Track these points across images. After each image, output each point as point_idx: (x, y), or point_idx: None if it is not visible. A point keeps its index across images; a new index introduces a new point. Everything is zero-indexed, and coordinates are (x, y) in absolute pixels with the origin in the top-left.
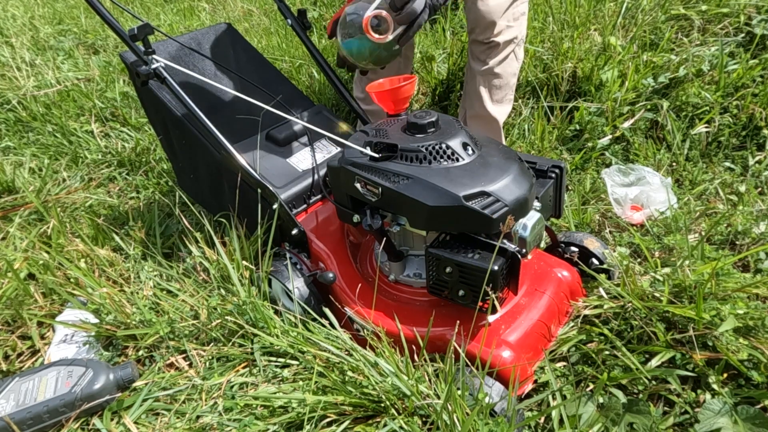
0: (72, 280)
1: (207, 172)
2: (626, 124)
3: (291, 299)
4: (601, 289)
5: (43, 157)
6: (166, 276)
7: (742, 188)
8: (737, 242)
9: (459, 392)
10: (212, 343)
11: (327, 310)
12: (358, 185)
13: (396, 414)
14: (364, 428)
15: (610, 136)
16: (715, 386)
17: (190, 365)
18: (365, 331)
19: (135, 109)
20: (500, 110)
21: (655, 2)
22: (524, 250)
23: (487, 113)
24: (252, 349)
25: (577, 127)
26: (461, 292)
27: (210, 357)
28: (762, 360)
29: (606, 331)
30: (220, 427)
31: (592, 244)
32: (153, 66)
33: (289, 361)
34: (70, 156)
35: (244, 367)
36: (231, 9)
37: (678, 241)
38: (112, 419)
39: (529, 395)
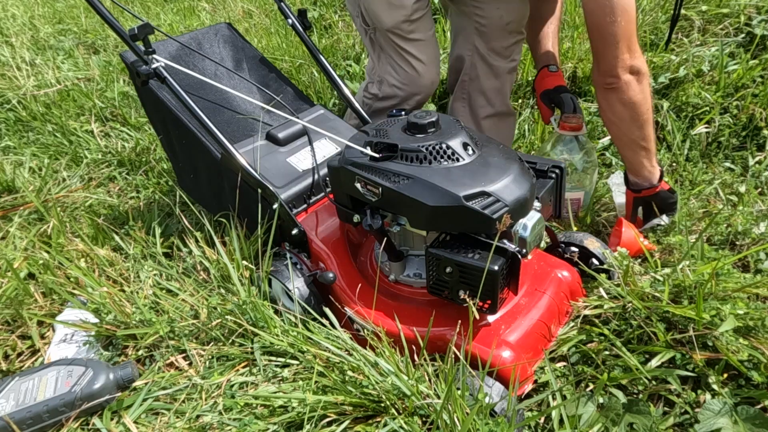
0: (72, 279)
1: (207, 172)
2: None
3: (291, 299)
4: (601, 289)
5: (43, 157)
6: (166, 275)
7: (742, 188)
8: (737, 242)
9: (459, 392)
10: (212, 343)
11: (327, 310)
12: (358, 185)
13: (396, 414)
14: (364, 428)
15: (610, 136)
16: (715, 386)
17: (190, 365)
18: (365, 331)
19: (135, 109)
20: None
21: (655, 2)
22: (524, 250)
23: (509, 109)
24: (252, 348)
25: None
26: (461, 292)
27: (210, 356)
28: (762, 360)
29: (606, 331)
30: (220, 427)
31: (592, 244)
32: (153, 66)
33: (289, 360)
34: (70, 156)
35: (244, 367)
36: (231, 9)
37: (678, 242)
38: (112, 419)
39: (529, 395)
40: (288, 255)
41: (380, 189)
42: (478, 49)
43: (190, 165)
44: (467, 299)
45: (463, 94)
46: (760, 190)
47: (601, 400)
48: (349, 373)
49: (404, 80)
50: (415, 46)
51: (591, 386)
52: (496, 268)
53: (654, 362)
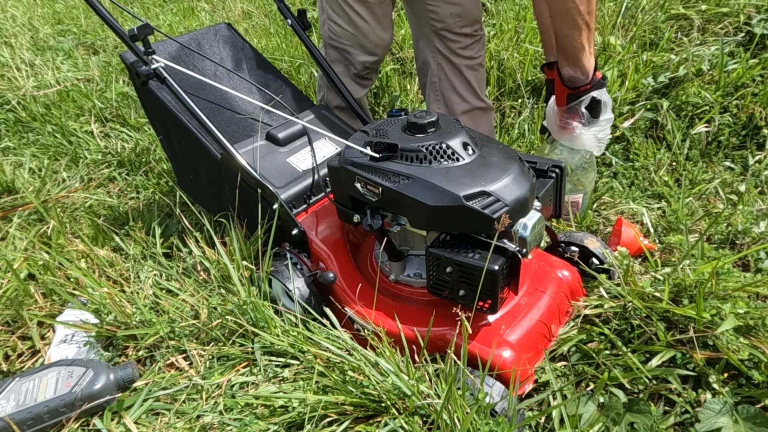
0: (72, 280)
1: (207, 172)
2: (626, 124)
3: (291, 299)
4: (601, 289)
5: (42, 158)
6: (166, 276)
7: (742, 188)
8: (737, 242)
9: (459, 392)
10: (212, 343)
11: (327, 310)
12: (358, 185)
13: (396, 414)
14: (364, 428)
15: (610, 136)
16: (715, 386)
17: (191, 365)
18: (366, 331)
19: (135, 109)
20: (489, 99)
21: (655, 2)
22: (524, 250)
23: (485, 104)
24: (252, 348)
25: None
26: (461, 292)
27: (210, 357)
28: (762, 359)
29: (606, 331)
30: (221, 427)
31: (593, 243)
32: (153, 66)
33: (289, 360)
34: (69, 156)
35: (244, 367)
36: (230, 9)
37: (678, 241)
38: (112, 419)
39: (529, 395)
40: (288, 255)
41: (380, 189)
42: (440, 51)
43: (190, 165)
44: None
45: (436, 96)
46: (760, 189)
47: (601, 400)
48: (350, 373)
49: (346, 39)
50: (362, 5)
51: (591, 386)
52: (496, 267)
53: (654, 362)
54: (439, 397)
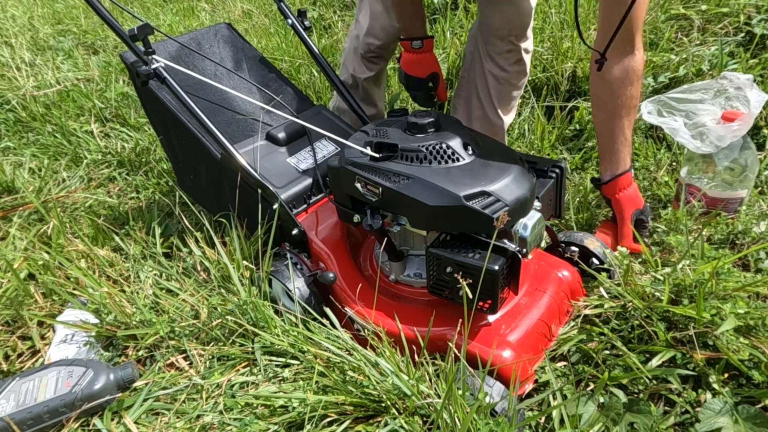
0: (72, 280)
1: (207, 172)
2: None
3: (291, 299)
4: (601, 289)
5: (42, 158)
6: (166, 275)
7: None
8: (737, 242)
9: (459, 392)
10: (212, 343)
11: (327, 310)
12: (358, 185)
13: (397, 414)
14: (364, 428)
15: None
16: (715, 386)
17: (191, 365)
18: (366, 330)
19: (135, 109)
20: (508, 118)
21: (655, 2)
22: (525, 250)
23: (498, 118)
24: (252, 348)
25: (577, 126)
26: (461, 292)
27: (210, 356)
28: (762, 359)
29: (606, 331)
30: (221, 427)
31: (593, 243)
32: (153, 66)
33: (289, 360)
34: (69, 156)
35: (244, 367)
36: (230, 9)
37: (678, 241)
38: (112, 419)
39: (529, 395)
40: (288, 255)
41: (380, 189)
42: (478, 50)
43: (190, 165)
44: (465, 286)
45: (461, 91)
46: (759, 189)
47: (601, 400)
48: (350, 373)
49: (361, 16)
50: None
51: (591, 386)
52: (496, 267)
53: (654, 361)
54: (439, 397)
